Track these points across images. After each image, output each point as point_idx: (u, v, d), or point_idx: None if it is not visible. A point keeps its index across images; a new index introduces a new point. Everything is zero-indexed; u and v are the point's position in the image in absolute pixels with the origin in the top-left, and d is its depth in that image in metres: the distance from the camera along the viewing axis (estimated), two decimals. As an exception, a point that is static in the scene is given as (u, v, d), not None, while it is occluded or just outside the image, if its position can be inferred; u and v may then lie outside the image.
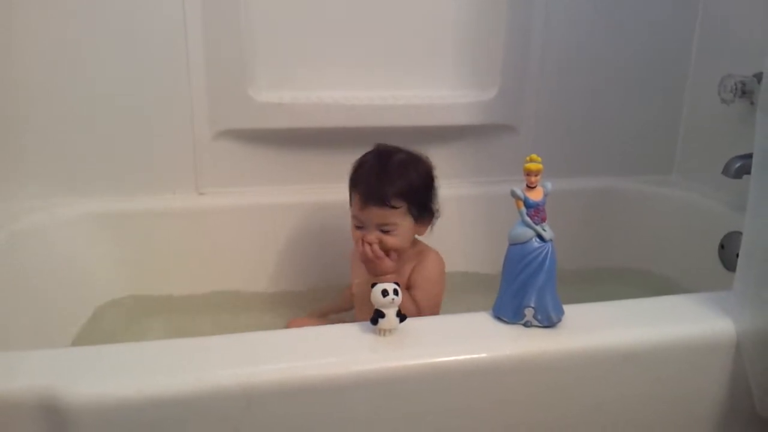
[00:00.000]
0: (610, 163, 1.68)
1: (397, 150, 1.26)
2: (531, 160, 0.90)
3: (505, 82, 1.54)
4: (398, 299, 0.87)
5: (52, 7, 1.28)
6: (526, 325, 0.93)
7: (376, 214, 1.19)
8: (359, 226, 1.21)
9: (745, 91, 1.40)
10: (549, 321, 0.92)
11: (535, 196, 0.91)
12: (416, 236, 1.26)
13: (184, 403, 0.80)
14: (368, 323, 0.90)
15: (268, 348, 0.88)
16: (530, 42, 1.52)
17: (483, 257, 1.54)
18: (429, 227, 1.26)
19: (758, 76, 1.39)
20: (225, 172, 1.48)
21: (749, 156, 1.02)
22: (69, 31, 1.30)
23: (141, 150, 1.41)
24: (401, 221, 1.20)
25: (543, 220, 0.92)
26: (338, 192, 1.51)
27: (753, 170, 0.97)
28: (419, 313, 1.18)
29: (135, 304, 1.42)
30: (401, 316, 0.89)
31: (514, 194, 0.91)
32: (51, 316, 1.25)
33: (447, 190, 1.56)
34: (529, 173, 0.90)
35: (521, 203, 0.91)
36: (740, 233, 1.01)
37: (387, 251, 1.20)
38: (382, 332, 0.89)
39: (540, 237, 0.91)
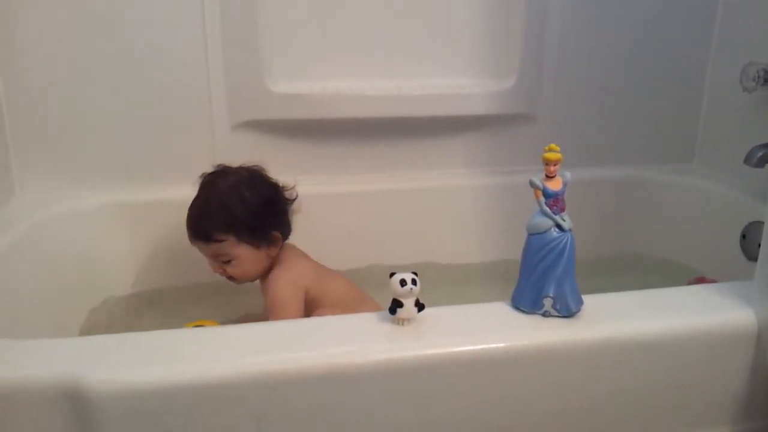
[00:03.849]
0: (630, 153, 1.66)
1: (226, 174, 1.22)
2: (550, 150, 0.90)
3: (524, 71, 1.52)
4: (417, 288, 0.88)
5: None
6: (545, 315, 0.93)
7: (206, 249, 1.19)
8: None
9: (768, 79, 1.38)
10: (568, 311, 0.92)
11: (554, 185, 0.91)
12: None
13: (206, 390, 0.82)
14: (387, 313, 0.90)
15: (288, 337, 0.89)
16: (548, 30, 1.51)
17: (501, 247, 1.54)
18: (278, 244, 1.23)
19: (781, 64, 1.36)
20: (244, 164, 1.48)
21: (772, 144, 1.01)
22: (89, 23, 1.31)
23: (160, 142, 1.42)
24: (234, 251, 1.18)
25: (562, 209, 0.91)
26: (357, 182, 1.53)
27: (776, 159, 0.96)
28: None
29: (152, 294, 1.43)
30: (419, 306, 0.90)
31: (532, 184, 0.91)
32: (68, 306, 1.27)
33: (465, 180, 1.58)
34: (547, 163, 0.90)
35: (540, 193, 0.91)
36: (762, 223, 1.00)
37: (232, 278, 1.21)
38: (400, 322, 0.90)
39: (559, 227, 0.91)
